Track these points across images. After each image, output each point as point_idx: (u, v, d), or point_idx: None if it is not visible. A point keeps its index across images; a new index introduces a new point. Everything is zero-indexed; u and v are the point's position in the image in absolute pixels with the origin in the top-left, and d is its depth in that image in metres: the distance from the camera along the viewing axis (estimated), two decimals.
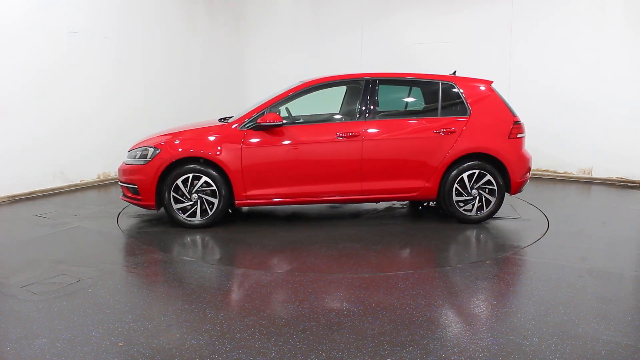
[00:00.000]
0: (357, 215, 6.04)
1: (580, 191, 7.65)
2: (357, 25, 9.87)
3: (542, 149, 8.16)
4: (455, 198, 5.50)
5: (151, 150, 5.38)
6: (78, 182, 7.61)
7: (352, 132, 5.39)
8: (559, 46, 8.30)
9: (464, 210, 5.55)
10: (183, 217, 5.37)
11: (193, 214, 5.37)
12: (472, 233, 5.34)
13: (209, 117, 7.32)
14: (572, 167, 8.47)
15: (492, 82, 5.77)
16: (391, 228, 5.52)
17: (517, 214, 5.98)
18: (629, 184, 7.93)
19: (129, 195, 5.55)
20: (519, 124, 5.60)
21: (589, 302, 3.60)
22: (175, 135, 5.53)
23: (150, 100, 8.70)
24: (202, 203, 5.35)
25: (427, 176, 5.48)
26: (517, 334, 3.12)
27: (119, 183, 5.72)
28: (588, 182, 8.16)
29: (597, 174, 8.27)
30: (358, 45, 9.88)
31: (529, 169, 5.74)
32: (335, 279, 4.01)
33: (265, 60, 10.77)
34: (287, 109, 5.85)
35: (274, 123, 5.27)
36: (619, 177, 8.09)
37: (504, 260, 4.48)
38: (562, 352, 2.89)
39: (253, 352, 2.88)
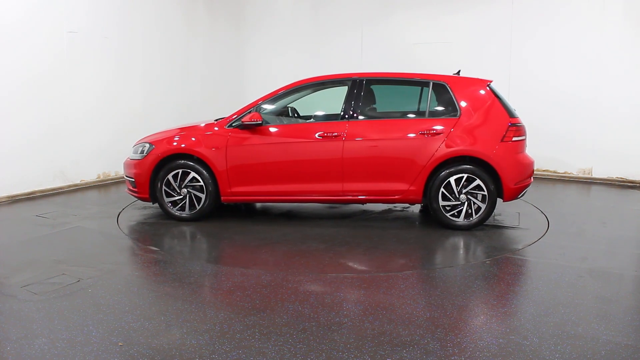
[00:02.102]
0: (348, 216, 6.01)
1: (580, 191, 7.66)
2: (357, 25, 9.86)
3: (542, 149, 8.14)
4: (441, 203, 5.28)
5: (147, 146, 5.73)
6: (78, 182, 7.61)
7: (333, 132, 5.37)
8: (559, 46, 8.30)
9: (451, 216, 5.31)
10: (173, 210, 5.67)
11: (182, 208, 5.66)
12: (460, 236, 5.20)
13: (209, 117, 7.33)
14: (572, 167, 8.47)
15: (489, 81, 5.53)
16: (372, 230, 5.41)
17: (516, 223, 5.63)
18: (629, 184, 7.93)
19: (130, 188, 5.90)
20: (516, 126, 5.31)
21: (589, 302, 3.59)
22: (169, 132, 5.87)
23: (150, 100, 8.70)
24: (191, 198, 5.62)
25: (410, 179, 5.31)
26: (517, 334, 3.12)
27: (124, 177, 6.06)
28: (588, 182, 8.17)
29: (597, 174, 8.27)
30: (358, 46, 9.88)
31: (529, 175, 5.45)
32: (335, 278, 4.01)
33: (266, 61, 10.77)
34: (294, 109, 5.94)
35: (253, 122, 5.41)
36: (619, 177, 8.09)
37: (504, 260, 4.48)
38: (562, 352, 2.89)
39: (253, 352, 2.88)
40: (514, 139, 5.29)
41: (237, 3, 10.75)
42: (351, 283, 3.93)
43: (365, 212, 6.16)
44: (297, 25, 10.50)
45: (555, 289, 3.81)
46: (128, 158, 5.93)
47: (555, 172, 8.60)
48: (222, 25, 10.40)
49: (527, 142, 5.61)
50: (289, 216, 6.06)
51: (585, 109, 8.18)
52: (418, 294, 3.76)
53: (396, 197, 5.41)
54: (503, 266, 4.35)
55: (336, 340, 3.02)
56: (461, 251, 4.86)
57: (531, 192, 7.00)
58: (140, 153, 5.73)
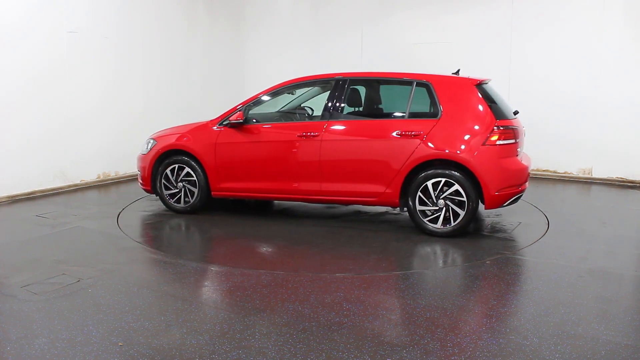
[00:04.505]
0: (338, 217, 5.94)
1: (580, 191, 7.65)
2: (357, 25, 9.85)
3: (542, 149, 8.14)
4: (418, 207, 5.05)
5: (151, 141, 6.10)
6: (78, 182, 7.60)
7: (311, 132, 5.38)
8: (560, 46, 8.29)
9: (429, 221, 5.05)
10: (171, 201, 5.98)
11: (179, 200, 5.95)
12: (431, 242, 4.96)
13: (209, 116, 7.32)
14: (572, 167, 8.46)
15: (478, 81, 5.24)
16: (347, 232, 5.31)
17: (508, 235, 5.22)
18: (629, 184, 7.92)
19: (139, 180, 6.26)
20: (503, 129, 4.96)
21: (589, 302, 3.59)
22: (171, 130, 6.21)
23: (150, 100, 8.69)
24: (185, 191, 5.90)
25: (386, 182, 5.14)
26: (517, 334, 3.12)
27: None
28: (588, 182, 8.16)
29: (597, 174, 8.26)
30: (358, 46, 9.87)
31: (518, 182, 5.08)
32: (335, 278, 4.01)
33: (265, 61, 10.76)
34: (310, 108, 6.08)
35: (236, 122, 5.61)
36: (619, 177, 8.09)
37: (504, 260, 4.48)
38: (562, 352, 2.89)
39: (253, 352, 2.89)
40: (499, 142, 4.94)
41: (237, 3, 10.75)
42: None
43: (359, 213, 6.10)
44: (297, 25, 10.49)
45: (555, 289, 3.81)
46: (139, 152, 6.28)
47: (555, 172, 8.60)
48: (222, 25, 10.39)
49: (527, 142, 5.50)
50: (283, 214, 6.10)
51: (585, 109, 8.17)
52: (418, 294, 3.76)
53: (372, 199, 5.28)
54: (503, 266, 4.35)
55: (336, 340, 3.02)
56: (422, 258, 4.74)
57: (531, 192, 6.95)
58: (146, 148, 6.10)
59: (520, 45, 8.59)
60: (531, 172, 5.79)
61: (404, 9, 9.46)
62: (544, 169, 8.62)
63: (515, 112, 5.44)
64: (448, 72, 5.92)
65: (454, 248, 4.86)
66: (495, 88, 5.65)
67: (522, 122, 5.57)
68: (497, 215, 5.94)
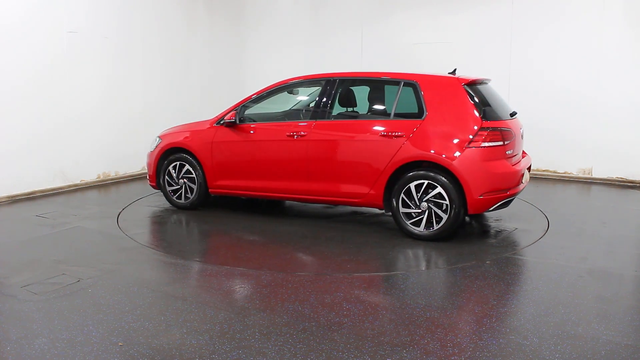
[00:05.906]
0: (331, 217, 5.93)
1: (580, 191, 7.65)
2: (357, 25, 9.85)
3: (542, 149, 8.13)
4: (401, 210, 4.96)
5: (157, 139, 6.35)
6: (78, 182, 7.60)
7: (300, 132, 5.42)
8: (560, 46, 8.29)
9: (412, 224, 4.94)
10: (173, 197, 6.20)
11: (180, 197, 6.17)
12: (412, 246, 4.85)
13: (209, 116, 7.32)
14: (572, 167, 8.46)
15: (467, 81, 5.08)
16: (331, 232, 5.26)
17: (494, 240, 5.12)
18: (629, 184, 7.92)
19: (148, 176, 6.45)
20: (490, 130, 4.77)
21: (589, 302, 3.60)
22: (176, 128, 6.44)
23: (150, 100, 8.69)
24: (186, 188, 6.11)
25: (370, 183, 5.10)
26: (517, 334, 3.12)
27: None
28: (588, 182, 8.16)
29: (597, 174, 8.26)
30: (358, 46, 9.87)
31: (505, 186, 4.85)
32: (335, 278, 4.01)
33: (266, 60, 10.76)
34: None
35: (230, 121, 5.77)
36: (619, 177, 8.09)
37: (504, 260, 4.48)
38: (562, 352, 2.89)
39: (253, 352, 2.89)
40: (484, 144, 4.74)
41: (237, 3, 10.74)
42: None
43: (355, 214, 6.05)
44: (297, 25, 10.49)
45: (555, 289, 3.81)
46: (148, 150, 6.50)
47: (555, 172, 8.60)
48: (222, 25, 10.38)
49: (527, 141, 5.44)
50: (282, 213, 6.13)
51: (586, 109, 8.17)
52: (418, 294, 3.76)
53: (357, 200, 5.25)
54: (503, 266, 4.35)
55: (336, 340, 3.02)
56: (399, 261, 4.67)
57: (531, 192, 6.98)
58: (153, 146, 6.34)
59: (521, 45, 8.58)
60: (531, 172, 5.75)
61: (404, 9, 9.46)
62: (544, 169, 8.61)
63: (513, 114, 5.35)
64: (448, 71, 5.88)
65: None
66: (495, 88, 5.62)
67: (521, 122, 5.54)
68: (497, 215, 5.94)
